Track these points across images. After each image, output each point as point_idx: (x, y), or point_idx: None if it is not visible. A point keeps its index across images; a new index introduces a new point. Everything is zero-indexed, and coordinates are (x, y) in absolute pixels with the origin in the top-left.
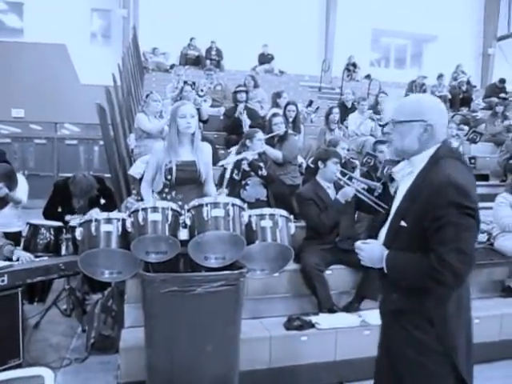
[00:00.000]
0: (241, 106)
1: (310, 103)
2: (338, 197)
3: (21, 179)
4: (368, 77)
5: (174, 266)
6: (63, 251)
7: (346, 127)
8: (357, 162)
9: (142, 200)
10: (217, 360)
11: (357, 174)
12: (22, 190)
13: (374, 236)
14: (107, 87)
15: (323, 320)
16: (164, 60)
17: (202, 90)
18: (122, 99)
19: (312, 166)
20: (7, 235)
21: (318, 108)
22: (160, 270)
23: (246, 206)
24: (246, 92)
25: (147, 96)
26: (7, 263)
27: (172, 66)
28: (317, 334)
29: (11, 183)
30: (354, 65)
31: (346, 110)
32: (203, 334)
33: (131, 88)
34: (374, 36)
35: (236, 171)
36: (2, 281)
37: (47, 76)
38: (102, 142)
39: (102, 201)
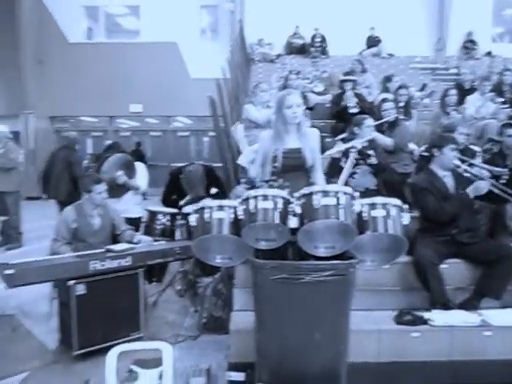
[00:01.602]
0: (348, 95)
1: (423, 87)
2: (469, 191)
3: (141, 167)
4: (489, 54)
5: (282, 253)
6: (177, 236)
7: (464, 110)
8: (477, 149)
9: (251, 188)
10: (326, 349)
11: (477, 161)
12: (141, 177)
13: (499, 228)
14: (217, 80)
15: (437, 316)
16: (269, 50)
17: (308, 78)
18: (231, 91)
19: (426, 154)
20: (128, 220)
21: (432, 92)
22: (269, 256)
23: (357, 194)
24: (354, 81)
25: (255, 87)
26: (131, 246)
27: (278, 56)
28: (430, 330)
29: (130, 171)
30: (473, 41)
31: (463, 92)
32: (312, 322)
33: (239, 80)
34: (496, 7)
35: (344, 159)
36: (127, 261)
37: (161, 73)
38: (211, 134)
39: (213, 190)
